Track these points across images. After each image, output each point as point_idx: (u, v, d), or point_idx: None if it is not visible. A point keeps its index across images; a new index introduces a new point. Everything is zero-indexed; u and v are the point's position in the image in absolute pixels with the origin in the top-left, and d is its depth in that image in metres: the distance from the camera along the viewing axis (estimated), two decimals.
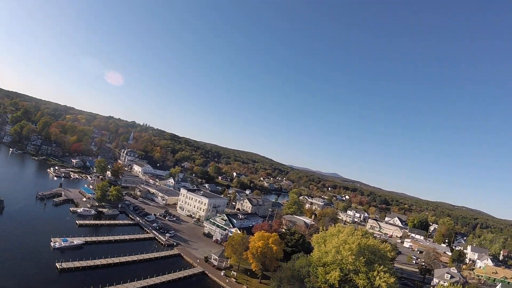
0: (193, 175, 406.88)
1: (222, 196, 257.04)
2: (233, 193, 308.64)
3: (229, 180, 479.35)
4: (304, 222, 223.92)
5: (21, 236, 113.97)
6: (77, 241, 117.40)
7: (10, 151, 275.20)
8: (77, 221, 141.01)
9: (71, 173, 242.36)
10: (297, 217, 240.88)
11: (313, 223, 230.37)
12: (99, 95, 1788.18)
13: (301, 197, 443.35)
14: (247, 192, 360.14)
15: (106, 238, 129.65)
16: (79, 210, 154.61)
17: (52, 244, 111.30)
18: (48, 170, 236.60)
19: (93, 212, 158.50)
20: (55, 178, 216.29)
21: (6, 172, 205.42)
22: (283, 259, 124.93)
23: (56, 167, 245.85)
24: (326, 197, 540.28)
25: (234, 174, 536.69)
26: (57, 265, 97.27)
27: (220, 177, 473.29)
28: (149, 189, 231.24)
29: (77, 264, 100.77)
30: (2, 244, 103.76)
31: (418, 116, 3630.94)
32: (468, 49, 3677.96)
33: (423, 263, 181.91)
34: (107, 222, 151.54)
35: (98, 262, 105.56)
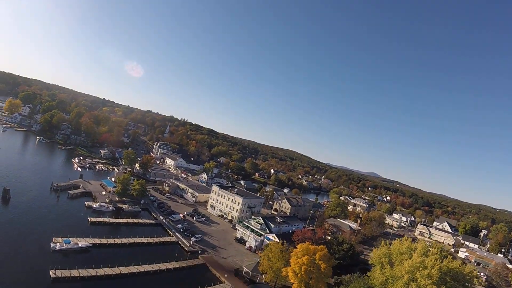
0: (229, 170, 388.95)
1: (258, 194, 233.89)
2: (270, 191, 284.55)
3: (266, 177, 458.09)
4: (349, 226, 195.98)
5: (21, 233, 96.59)
6: (82, 243, 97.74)
7: (37, 140, 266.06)
8: (89, 218, 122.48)
9: (98, 164, 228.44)
10: (341, 220, 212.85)
11: (359, 228, 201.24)
12: (139, 91, 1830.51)
13: (341, 197, 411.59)
14: (286, 190, 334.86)
15: (119, 240, 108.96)
16: (94, 205, 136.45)
17: (52, 245, 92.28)
18: (72, 160, 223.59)
19: (110, 208, 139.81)
20: (79, 169, 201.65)
21: (25, 160, 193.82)
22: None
23: (81, 157, 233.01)
24: (367, 198, 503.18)
25: (272, 171, 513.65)
26: (51, 272, 77.77)
27: (257, 174, 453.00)
28: (179, 184, 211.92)
29: (75, 272, 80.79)
30: None
31: (456, 121, 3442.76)
32: None
33: (491, 282, 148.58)
34: (125, 220, 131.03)
35: (102, 271, 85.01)
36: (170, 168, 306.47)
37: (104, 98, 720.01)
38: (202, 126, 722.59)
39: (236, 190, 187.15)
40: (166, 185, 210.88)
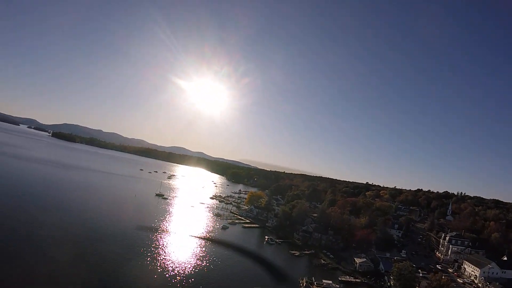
0: None
1: None
2: None
3: None
4: None
5: None
6: None
7: (265, 240, 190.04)
8: None
9: None
10: None
11: None
12: (404, 168, 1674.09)
13: None
14: None
15: None
16: None
17: None
18: (300, 281, 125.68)
19: None
20: None
21: (200, 278, 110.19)
22: None
23: (313, 278, 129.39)
24: None
25: None
26: None
27: None
28: None
29: None
30: None
31: None
32: None
33: None
34: None
35: None
36: (473, 283, 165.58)
37: (367, 183, 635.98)
38: (484, 198, 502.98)
39: None
40: None
